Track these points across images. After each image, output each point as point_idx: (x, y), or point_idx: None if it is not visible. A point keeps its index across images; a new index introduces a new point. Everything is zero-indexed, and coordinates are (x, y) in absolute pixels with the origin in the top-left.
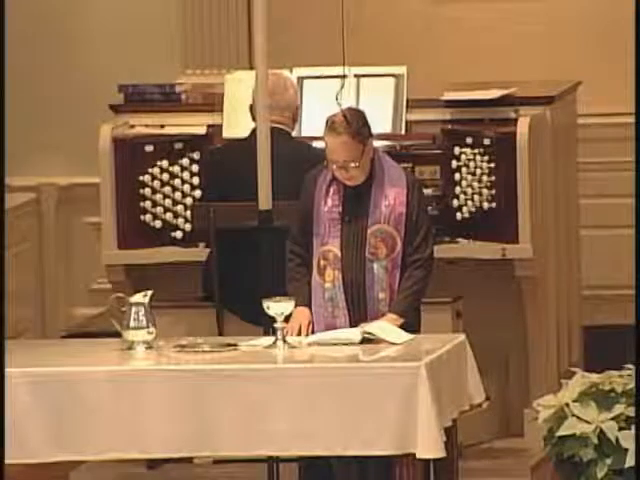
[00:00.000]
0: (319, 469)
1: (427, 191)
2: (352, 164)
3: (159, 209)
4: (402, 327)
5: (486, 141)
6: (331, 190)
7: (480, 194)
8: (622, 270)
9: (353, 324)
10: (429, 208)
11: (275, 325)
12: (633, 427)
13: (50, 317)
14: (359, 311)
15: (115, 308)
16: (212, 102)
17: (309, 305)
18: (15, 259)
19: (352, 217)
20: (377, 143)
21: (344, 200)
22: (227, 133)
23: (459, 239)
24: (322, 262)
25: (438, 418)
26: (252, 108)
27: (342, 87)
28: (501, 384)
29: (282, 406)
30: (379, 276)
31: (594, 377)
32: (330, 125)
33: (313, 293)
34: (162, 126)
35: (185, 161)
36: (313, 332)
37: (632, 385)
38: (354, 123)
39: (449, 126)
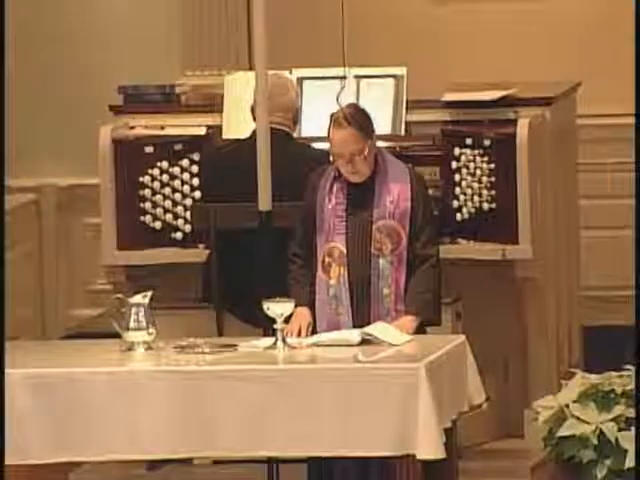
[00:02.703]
0: (320, 470)
1: None
2: (358, 157)
3: (159, 210)
4: (421, 325)
5: (486, 142)
6: (335, 188)
7: (480, 195)
8: (622, 271)
9: (356, 321)
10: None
11: (275, 326)
12: (633, 428)
13: (50, 318)
14: (363, 308)
15: (115, 309)
16: (212, 103)
17: (310, 306)
18: (15, 260)
19: (357, 213)
20: (377, 144)
21: (348, 197)
22: (227, 134)
23: (459, 240)
24: (327, 259)
25: (438, 419)
26: (253, 109)
27: (343, 88)
28: (501, 385)
29: (282, 407)
30: (384, 272)
31: (594, 378)
32: (335, 120)
33: (317, 290)
34: (162, 127)
35: (185, 162)
36: (313, 333)
37: (632, 386)
38: (358, 117)
39: (449, 127)
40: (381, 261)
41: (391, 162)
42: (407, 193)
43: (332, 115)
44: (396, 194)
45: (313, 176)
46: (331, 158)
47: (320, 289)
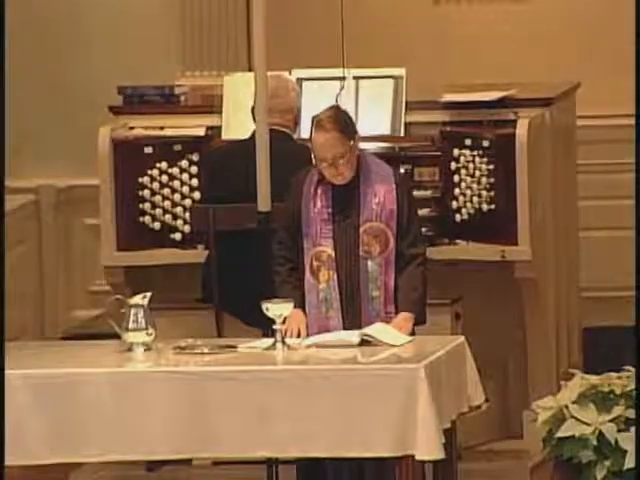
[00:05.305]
0: (315, 470)
1: (426, 193)
2: (341, 160)
3: (158, 211)
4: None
5: (485, 143)
6: (319, 191)
7: (479, 196)
8: (622, 272)
9: (346, 324)
10: (427, 210)
11: (274, 327)
12: (632, 429)
13: (49, 319)
14: (353, 311)
15: (114, 310)
16: (211, 104)
17: (301, 308)
18: (15, 261)
19: (343, 216)
20: (376, 145)
21: (333, 200)
22: (226, 135)
23: (458, 241)
24: (315, 263)
25: (437, 420)
26: (254, 110)
27: (342, 89)
28: (500, 386)
29: (281, 408)
30: (373, 274)
31: (593, 379)
32: (317, 123)
33: (307, 295)
34: (161, 128)
35: (184, 163)
36: (308, 334)
37: (631, 387)
38: (341, 119)
39: (448, 128)
40: (370, 263)
41: (375, 163)
42: (392, 194)
43: (314, 118)
44: (382, 195)
45: (297, 178)
46: (314, 161)
47: (310, 293)
